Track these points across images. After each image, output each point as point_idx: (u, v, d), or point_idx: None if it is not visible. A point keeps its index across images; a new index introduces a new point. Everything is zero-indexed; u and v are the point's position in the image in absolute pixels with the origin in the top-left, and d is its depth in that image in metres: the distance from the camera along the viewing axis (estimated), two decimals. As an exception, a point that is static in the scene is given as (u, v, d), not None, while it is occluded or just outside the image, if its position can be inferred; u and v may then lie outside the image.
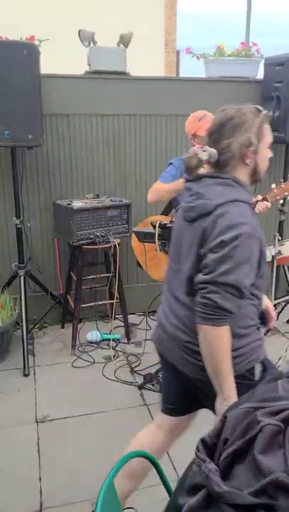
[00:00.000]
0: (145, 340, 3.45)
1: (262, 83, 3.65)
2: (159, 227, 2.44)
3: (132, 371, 3.17)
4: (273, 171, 3.95)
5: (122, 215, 3.39)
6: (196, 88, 3.66)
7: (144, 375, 3.07)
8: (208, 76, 3.76)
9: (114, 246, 3.30)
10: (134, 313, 3.90)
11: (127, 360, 3.29)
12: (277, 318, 3.65)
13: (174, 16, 15.54)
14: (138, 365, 3.24)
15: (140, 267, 3.01)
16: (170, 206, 3.06)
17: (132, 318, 3.78)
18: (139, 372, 3.14)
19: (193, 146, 2.81)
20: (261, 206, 2.68)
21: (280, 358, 2.88)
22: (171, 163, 2.87)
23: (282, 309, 3.68)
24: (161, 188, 2.72)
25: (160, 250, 2.48)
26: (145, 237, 2.58)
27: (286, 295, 3.67)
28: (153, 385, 2.94)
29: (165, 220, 2.50)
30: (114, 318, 3.57)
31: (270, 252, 2.46)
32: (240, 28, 6.33)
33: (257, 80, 3.74)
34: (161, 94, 3.61)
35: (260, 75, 3.75)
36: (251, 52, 3.66)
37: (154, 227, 2.46)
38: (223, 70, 3.69)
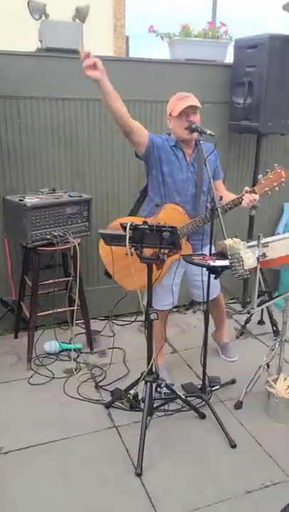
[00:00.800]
0: (112, 348, 3.13)
1: (232, 67, 3.37)
2: (130, 228, 2.12)
3: (97, 386, 2.84)
4: (245, 163, 3.72)
5: (82, 212, 3.03)
6: (161, 71, 3.34)
7: (111, 391, 2.75)
8: (174, 58, 3.45)
9: (74, 247, 2.94)
10: (95, 319, 3.57)
11: (91, 374, 2.96)
12: (249, 320, 3.44)
13: (123, 1, 15.04)
14: (103, 378, 2.92)
15: (110, 277, 2.68)
16: (138, 207, 2.75)
17: (94, 324, 3.44)
18: (104, 387, 2.82)
19: (169, 128, 2.53)
20: (249, 199, 2.43)
21: (260, 367, 2.65)
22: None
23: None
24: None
25: (131, 254, 2.16)
26: (112, 240, 2.25)
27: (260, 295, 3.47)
28: (122, 402, 2.63)
29: (136, 221, 2.18)
30: (74, 324, 3.22)
31: (253, 255, 2.19)
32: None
33: (226, 63, 3.46)
34: (123, 77, 3.23)
35: (228, 58, 3.48)
36: (219, 33, 3.38)
37: (124, 228, 2.13)
38: (190, 52, 3.38)
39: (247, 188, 2.51)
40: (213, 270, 2.32)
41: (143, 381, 2.37)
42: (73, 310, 3.10)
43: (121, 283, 2.67)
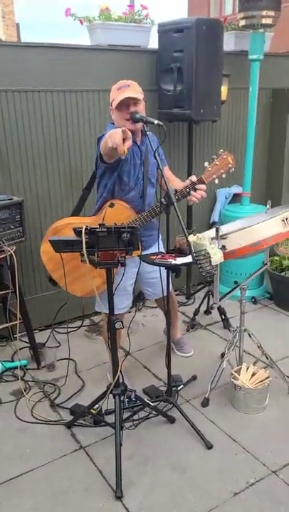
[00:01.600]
0: (66, 360, 2.87)
1: (157, 53, 3.23)
2: (85, 232, 1.91)
3: (53, 405, 2.60)
4: (177, 152, 3.61)
5: (15, 216, 2.73)
6: (83, 58, 3.10)
7: (70, 409, 2.54)
8: (95, 44, 3.23)
9: (11, 255, 2.65)
10: (35, 330, 3.28)
11: (44, 392, 2.71)
12: (198, 311, 3.39)
13: (8, -15, 14.10)
14: (58, 395, 2.69)
15: (54, 284, 2.44)
16: (80, 206, 2.53)
17: (36, 336, 3.16)
18: (61, 405, 2.59)
19: (113, 118, 2.32)
20: (200, 194, 2.30)
21: (222, 362, 2.59)
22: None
23: (202, 302, 3.42)
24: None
25: (89, 262, 1.96)
26: (66, 246, 2.02)
27: (204, 286, 3.43)
28: (85, 419, 2.43)
29: (82, 221, 1.98)
30: (14, 339, 2.93)
31: (219, 249, 2.09)
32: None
33: (150, 49, 3.31)
34: (40, 64, 2.96)
35: (152, 43, 3.34)
36: (141, 17, 3.22)
37: (79, 232, 1.92)
38: (111, 37, 3.18)
39: (193, 177, 2.39)
40: (174, 269, 2.19)
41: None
42: (13, 323, 2.82)
43: (69, 290, 2.45)
